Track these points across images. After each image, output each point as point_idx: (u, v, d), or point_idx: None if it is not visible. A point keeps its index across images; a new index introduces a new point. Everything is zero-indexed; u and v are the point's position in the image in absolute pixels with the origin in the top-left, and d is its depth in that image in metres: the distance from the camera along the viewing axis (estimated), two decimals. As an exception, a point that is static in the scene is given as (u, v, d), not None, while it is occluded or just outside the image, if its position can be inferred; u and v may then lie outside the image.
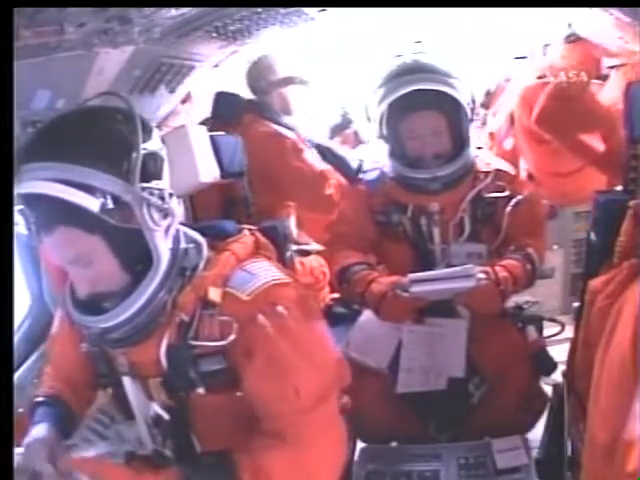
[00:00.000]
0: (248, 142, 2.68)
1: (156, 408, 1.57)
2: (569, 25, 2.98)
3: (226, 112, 3.04)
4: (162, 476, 1.43)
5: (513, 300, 2.56)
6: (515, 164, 3.19)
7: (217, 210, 2.72)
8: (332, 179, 3.04)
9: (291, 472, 1.48)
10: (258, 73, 3.18)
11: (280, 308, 1.50)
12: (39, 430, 1.59)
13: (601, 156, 2.73)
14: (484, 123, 3.68)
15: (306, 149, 3.08)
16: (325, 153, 3.21)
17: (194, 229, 1.61)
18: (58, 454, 1.50)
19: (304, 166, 3.02)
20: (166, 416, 1.56)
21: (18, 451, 1.53)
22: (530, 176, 3.29)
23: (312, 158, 3.09)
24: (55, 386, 1.77)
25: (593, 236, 2.04)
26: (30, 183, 1.36)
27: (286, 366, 1.49)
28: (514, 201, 2.44)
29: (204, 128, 1.94)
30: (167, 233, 1.48)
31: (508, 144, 3.33)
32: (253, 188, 2.75)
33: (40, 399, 1.73)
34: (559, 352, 2.38)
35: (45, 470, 1.48)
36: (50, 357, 1.87)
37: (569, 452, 1.98)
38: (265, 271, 1.56)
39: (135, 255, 1.46)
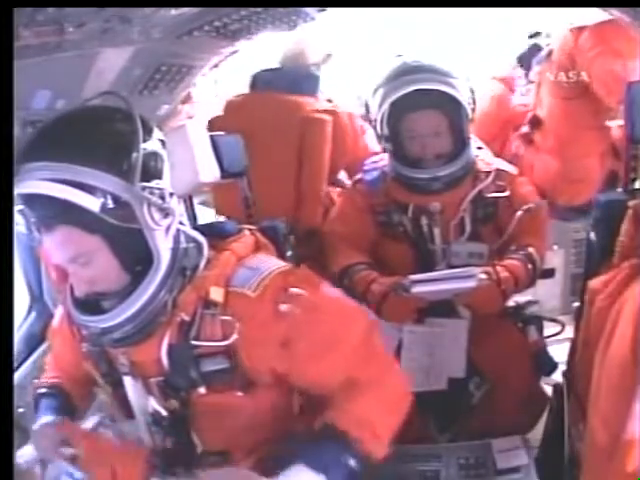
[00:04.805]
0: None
1: (154, 405, 1.57)
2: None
3: (309, 85, 3.10)
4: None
5: (514, 300, 2.56)
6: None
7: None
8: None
9: (381, 407, 1.53)
10: (297, 58, 3.20)
11: (293, 289, 1.51)
12: (44, 419, 1.64)
13: None
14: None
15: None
16: None
17: (194, 229, 1.61)
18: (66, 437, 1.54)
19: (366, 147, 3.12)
20: (164, 412, 1.57)
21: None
22: (537, 120, 3.24)
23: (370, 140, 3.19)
24: (56, 376, 1.81)
25: (593, 236, 2.04)
26: (30, 183, 1.36)
27: (328, 341, 1.52)
28: (525, 207, 2.44)
29: (204, 128, 1.93)
30: (167, 233, 1.48)
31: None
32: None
33: (42, 390, 1.77)
34: (559, 352, 2.39)
35: (54, 455, 1.52)
36: (51, 349, 1.89)
37: (569, 452, 1.98)
38: (264, 263, 1.57)
39: (135, 255, 1.46)
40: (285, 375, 1.55)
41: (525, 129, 3.33)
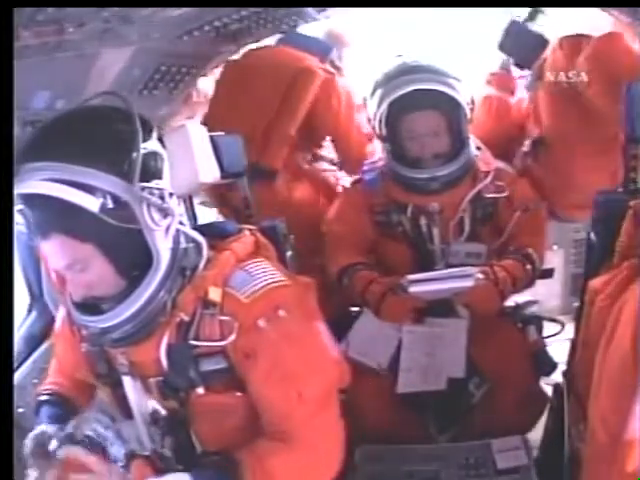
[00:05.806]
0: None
1: (153, 404, 1.57)
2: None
3: (323, 50, 3.16)
4: None
5: (513, 300, 2.56)
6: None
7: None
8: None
9: (295, 475, 1.51)
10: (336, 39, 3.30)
11: (281, 312, 1.50)
12: (44, 427, 1.64)
13: None
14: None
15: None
16: None
17: (194, 229, 1.61)
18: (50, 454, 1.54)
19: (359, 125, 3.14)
20: (163, 412, 1.57)
21: None
22: (539, 141, 3.19)
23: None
24: (57, 381, 1.82)
25: (593, 236, 2.04)
26: (30, 183, 1.36)
27: (289, 371, 1.50)
28: (524, 207, 2.44)
29: (204, 127, 1.94)
30: (167, 233, 1.48)
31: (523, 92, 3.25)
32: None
33: (42, 397, 1.77)
34: (559, 352, 2.39)
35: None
36: (54, 351, 1.89)
37: (569, 452, 1.98)
38: (264, 273, 1.55)
39: (131, 260, 1.46)
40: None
41: (529, 145, 3.22)
